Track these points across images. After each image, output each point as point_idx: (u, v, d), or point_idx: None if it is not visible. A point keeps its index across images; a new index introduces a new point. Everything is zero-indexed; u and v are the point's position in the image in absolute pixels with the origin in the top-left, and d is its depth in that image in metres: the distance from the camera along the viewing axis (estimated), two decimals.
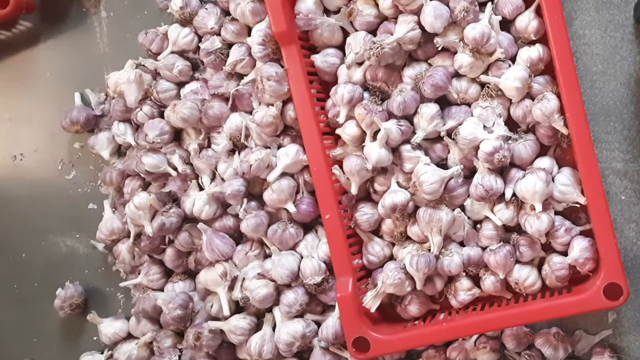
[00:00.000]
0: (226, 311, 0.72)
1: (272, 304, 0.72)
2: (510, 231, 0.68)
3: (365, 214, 0.70)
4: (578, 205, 0.65)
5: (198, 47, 0.75)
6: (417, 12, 0.66)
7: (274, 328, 0.72)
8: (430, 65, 0.68)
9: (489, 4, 0.66)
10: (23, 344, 0.85)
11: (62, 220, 0.83)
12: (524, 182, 0.64)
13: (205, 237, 0.73)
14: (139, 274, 0.78)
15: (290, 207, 0.71)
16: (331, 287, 0.71)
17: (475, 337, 0.71)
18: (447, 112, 0.68)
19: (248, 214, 0.72)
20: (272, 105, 0.71)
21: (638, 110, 0.69)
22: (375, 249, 0.71)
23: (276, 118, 0.71)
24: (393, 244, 0.72)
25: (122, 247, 0.78)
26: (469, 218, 0.69)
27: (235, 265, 0.73)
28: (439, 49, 0.67)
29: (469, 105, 0.68)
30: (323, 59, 0.70)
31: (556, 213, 0.66)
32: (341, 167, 0.69)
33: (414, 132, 0.68)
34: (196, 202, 0.73)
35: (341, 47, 0.71)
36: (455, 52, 0.67)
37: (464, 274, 0.69)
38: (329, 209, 0.68)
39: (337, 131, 0.70)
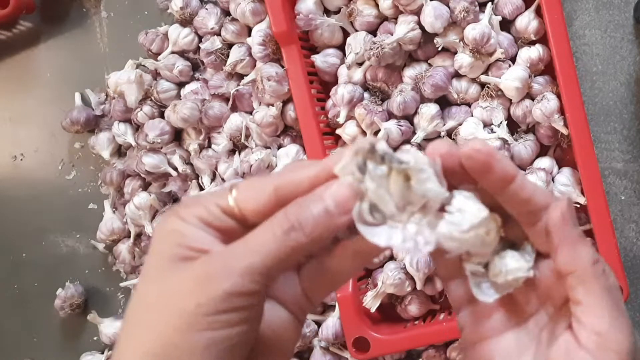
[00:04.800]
0: None
1: None
2: None
3: None
4: (578, 205, 0.65)
5: (198, 48, 0.75)
6: (417, 13, 0.66)
7: None
8: (430, 65, 0.68)
9: (489, 4, 0.66)
10: (23, 344, 0.84)
11: (62, 220, 0.83)
12: None
13: None
14: (139, 274, 0.78)
15: None
16: None
17: None
18: (447, 112, 0.68)
19: None
20: (272, 105, 0.71)
21: (638, 110, 0.69)
22: None
23: (276, 118, 0.71)
24: None
25: (123, 247, 0.78)
26: None
27: None
28: (439, 49, 0.67)
29: (469, 105, 0.68)
30: (323, 59, 0.70)
31: None
32: None
33: (414, 132, 0.68)
34: None
35: (341, 47, 0.71)
36: (455, 52, 0.67)
37: None
38: None
39: (337, 131, 0.70)
